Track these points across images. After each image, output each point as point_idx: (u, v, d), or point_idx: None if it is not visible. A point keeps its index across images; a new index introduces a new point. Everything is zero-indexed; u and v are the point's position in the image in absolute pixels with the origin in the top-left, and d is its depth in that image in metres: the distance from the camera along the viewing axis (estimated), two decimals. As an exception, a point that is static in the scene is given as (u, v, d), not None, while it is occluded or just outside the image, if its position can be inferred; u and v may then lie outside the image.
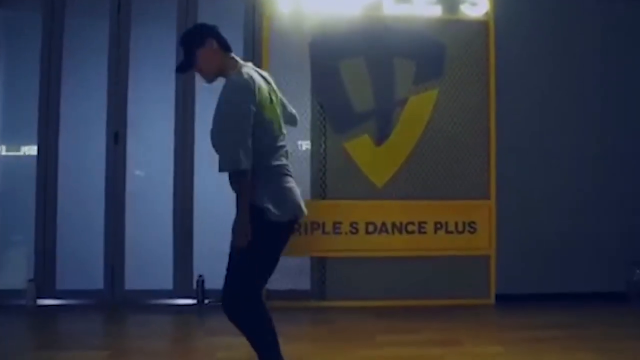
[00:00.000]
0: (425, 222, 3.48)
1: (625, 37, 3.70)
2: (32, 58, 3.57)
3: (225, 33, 3.75)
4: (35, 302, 3.39)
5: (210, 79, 1.90)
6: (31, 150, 3.62)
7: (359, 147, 3.48)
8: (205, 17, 3.69)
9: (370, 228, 3.46)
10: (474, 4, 3.55)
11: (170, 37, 3.65)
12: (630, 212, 3.62)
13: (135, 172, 3.66)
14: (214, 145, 1.83)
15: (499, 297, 3.50)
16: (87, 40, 3.65)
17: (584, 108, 3.68)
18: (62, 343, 2.79)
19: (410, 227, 3.48)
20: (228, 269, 1.86)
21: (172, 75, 3.64)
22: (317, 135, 3.48)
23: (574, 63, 3.67)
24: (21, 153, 3.70)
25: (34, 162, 3.54)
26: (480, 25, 3.56)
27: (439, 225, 3.49)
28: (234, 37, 3.53)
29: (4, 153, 3.69)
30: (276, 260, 1.89)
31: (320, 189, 3.46)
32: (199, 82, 3.65)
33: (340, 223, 3.37)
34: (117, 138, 3.58)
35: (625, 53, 3.70)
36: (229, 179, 1.84)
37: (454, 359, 2.42)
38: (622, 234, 3.60)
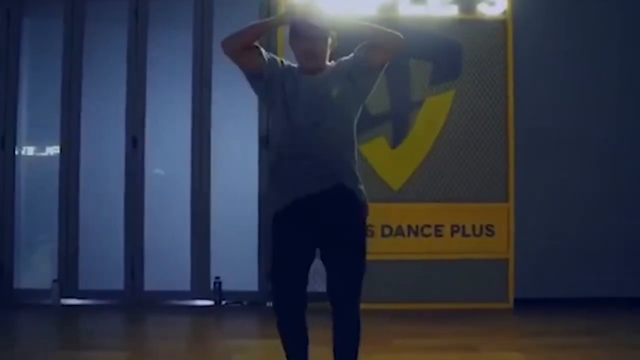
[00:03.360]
0: (442, 225, 3.46)
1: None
2: (55, 63, 3.67)
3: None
4: (59, 301, 3.49)
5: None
6: (54, 151, 3.71)
7: (375, 150, 3.47)
8: (220, 21, 3.75)
9: (386, 231, 3.46)
10: (491, 3, 3.48)
11: (186, 41, 3.71)
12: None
13: (154, 171, 3.71)
14: None
15: (517, 302, 3.46)
16: (106, 45, 3.74)
17: (605, 106, 3.59)
18: (85, 343, 2.87)
19: (426, 230, 3.46)
20: (353, 270, 1.79)
21: (189, 79, 3.71)
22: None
23: (594, 60, 3.58)
24: (45, 154, 3.79)
25: (57, 163, 3.65)
26: (498, 24, 3.50)
27: (455, 229, 3.46)
28: (250, 40, 3.65)
29: (28, 154, 3.79)
30: None
31: (335, 192, 3.48)
32: (215, 86, 3.73)
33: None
34: (135, 142, 3.66)
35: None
36: None
37: (470, 365, 2.41)
38: (647, 238, 3.53)
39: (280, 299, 1.81)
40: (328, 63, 1.84)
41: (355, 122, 1.83)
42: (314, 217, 1.75)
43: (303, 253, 1.78)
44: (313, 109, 1.75)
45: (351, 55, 1.83)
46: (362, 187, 1.82)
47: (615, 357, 2.56)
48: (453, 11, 3.49)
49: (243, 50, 1.79)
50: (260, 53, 1.82)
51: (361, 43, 1.82)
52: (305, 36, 1.77)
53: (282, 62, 1.86)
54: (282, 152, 1.79)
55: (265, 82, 1.81)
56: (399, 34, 1.78)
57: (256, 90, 1.88)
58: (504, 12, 3.50)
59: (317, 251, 1.83)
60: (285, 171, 1.78)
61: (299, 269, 1.79)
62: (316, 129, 1.73)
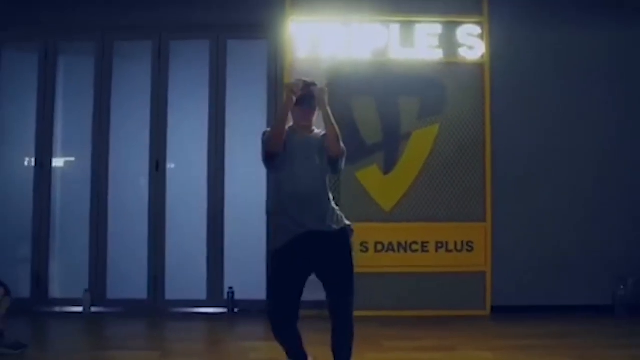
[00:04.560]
0: (427, 242, 3.90)
1: (618, 73, 4.02)
2: (87, 96, 4.07)
3: (251, 73, 4.30)
4: (90, 309, 3.88)
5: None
6: (86, 174, 4.06)
7: (369, 176, 3.92)
8: (233, 59, 4.18)
9: (379, 247, 3.89)
10: (471, 48, 3.95)
11: (203, 76, 4.12)
12: (613, 234, 3.97)
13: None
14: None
15: (494, 309, 3.88)
16: (132, 79, 4.14)
17: (572, 136, 4.01)
18: (118, 345, 3.28)
19: (414, 247, 3.90)
20: (346, 288, 2.21)
21: (206, 110, 4.11)
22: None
23: (564, 93, 4.01)
24: (77, 177, 4.12)
25: (88, 185, 4.02)
26: (477, 67, 3.96)
27: (440, 245, 3.90)
28: (259, 77, 4.13)
29: (62, 176, 4.14)
30: None
31: (335, 213, 3.91)
32: (228, 115, 4.16)
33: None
34: (157, 166, 4.10)
35: (616, 88, 4.03)
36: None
37: (448, 363, 2.84)
38: (608, 252, 3.95)
39: (274, 317, 2.23)
40: (316, 130, 2.32)
41: (328, 176, 2.29)
42: (307, 251, 2.19)
43: (295, 282, 2.20)
44: (303, 168, 2.22)
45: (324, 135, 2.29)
46: (346, 220, 2.26)
47: (573, 354, 2.94)
48: (438, 55, 3.96)
49: (281, 141, 2.20)
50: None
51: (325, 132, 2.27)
52: (304, 104, 2.27)
53: None
54: (282, 202, 2.24)
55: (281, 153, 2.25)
56: (342, 146, 2.24)
57: (275, 164, 2.26)
58: (482, 56, 3.97)
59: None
60: (283, 218, 2.23)
61: (291, 296, 2.20)
62: (305, 183, 2.21)
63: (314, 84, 2.29)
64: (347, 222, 2.29)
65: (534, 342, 3.20)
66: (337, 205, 2.32)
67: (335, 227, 2.23)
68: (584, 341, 3.24)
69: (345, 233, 2.26)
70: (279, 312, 2.23)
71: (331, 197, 2.29)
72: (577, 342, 3.21)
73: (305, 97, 2.25)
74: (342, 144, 2.25)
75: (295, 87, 2.26)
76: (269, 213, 2.34)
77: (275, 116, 2.33)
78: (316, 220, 2.20)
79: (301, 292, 2.23)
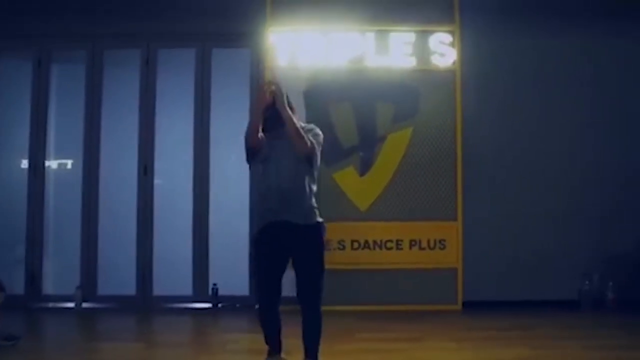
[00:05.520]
0: (402, 240, 4.07)
1: (589, 79, 4.19)
2: (78, 102, 4.25)
3: (235, 80, 4.50)
4: (81, 305, 4.07)
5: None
6: (77, 177, 4.25)
7: (346, 177, 4.10)
8: (218, 68, 4.37)
9: (355, 245, 4.06)
10: (442, 55, 4.14)
11: (189, 83, 4.31)
12: (580, 233, 4.15)
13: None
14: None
15: (466, 304, 4.05)
16: (121, 87, 4.32)
17: (539, 137, 4.19)
18: (107, 337, 3.47)
19: (389, 244, 4.08)
20: (314, 278, 2.43)
21: (192, 115, 4.30)
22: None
23: (531, 98, 4.18)
24: (69, 180, 4.31)
25: (79, 188, 4.22)
26: (448, 73, 4.14)
27: (413, 243, 4.08)
28: (242, 84, 4.33)
29: (55, 180, 4.33)
30: None
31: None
32: (213, 121, 4.35)
33: (329, 241, 3.91)
34: (146, 170, 4.29)
35: (587, 93, 4.20)
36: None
37: (415, 353, 3.00)
38: (574, 250, 4.13)
39: (261, 299, 2.47)
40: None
41: (311, 172, 2.47)
42: (282, 237, 2.41)
43: (274, 263, 2.44)
44: (286, 165, 2.43)
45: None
46: (319, 217, 2.48)
47: (529, 344, 3.10)
48: (411, 62, 4.14)
49: (257, 136, 2.38)
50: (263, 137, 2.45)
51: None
52: (275, 130, 2.43)
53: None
54: (265, 195, 2.47)
55: (264, 152, 2.45)
56: (307, 142, 2.39)
57: (255, 162, 2.46)
58: (454, 63, 4.15)
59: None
60: (263, 208, 2.46)
61: (273, 276, 2.44)
62: (288, 179, 2.42)
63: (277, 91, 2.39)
64: (320, 219, 2.48)
65: (499, 333, 3.37)
66: (316, 202, 2.49)
67: (308, 221, 2.43)
68: (548, 333, 3.40)
69: (317, 228, 2.46)
70: (264, 294, 2.44)
71: (312, 194, 2.47)
72: (540, 334, 3.37)
73: (274, 121, 2.39)
74: (308, 141, 2.40)
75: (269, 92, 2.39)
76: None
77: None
78: (292, 213, 2.41)
79: (281, 274, 2.44)
